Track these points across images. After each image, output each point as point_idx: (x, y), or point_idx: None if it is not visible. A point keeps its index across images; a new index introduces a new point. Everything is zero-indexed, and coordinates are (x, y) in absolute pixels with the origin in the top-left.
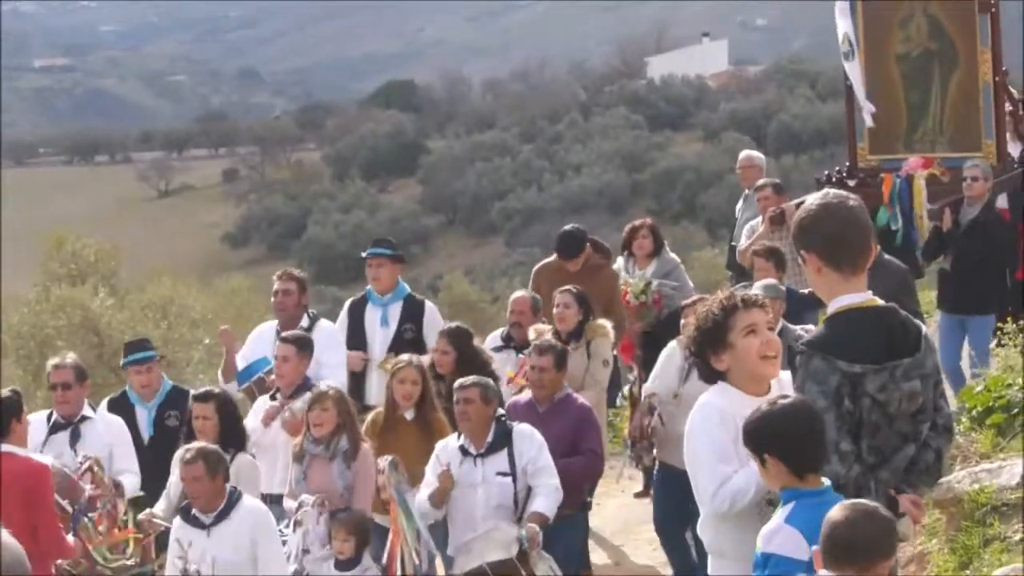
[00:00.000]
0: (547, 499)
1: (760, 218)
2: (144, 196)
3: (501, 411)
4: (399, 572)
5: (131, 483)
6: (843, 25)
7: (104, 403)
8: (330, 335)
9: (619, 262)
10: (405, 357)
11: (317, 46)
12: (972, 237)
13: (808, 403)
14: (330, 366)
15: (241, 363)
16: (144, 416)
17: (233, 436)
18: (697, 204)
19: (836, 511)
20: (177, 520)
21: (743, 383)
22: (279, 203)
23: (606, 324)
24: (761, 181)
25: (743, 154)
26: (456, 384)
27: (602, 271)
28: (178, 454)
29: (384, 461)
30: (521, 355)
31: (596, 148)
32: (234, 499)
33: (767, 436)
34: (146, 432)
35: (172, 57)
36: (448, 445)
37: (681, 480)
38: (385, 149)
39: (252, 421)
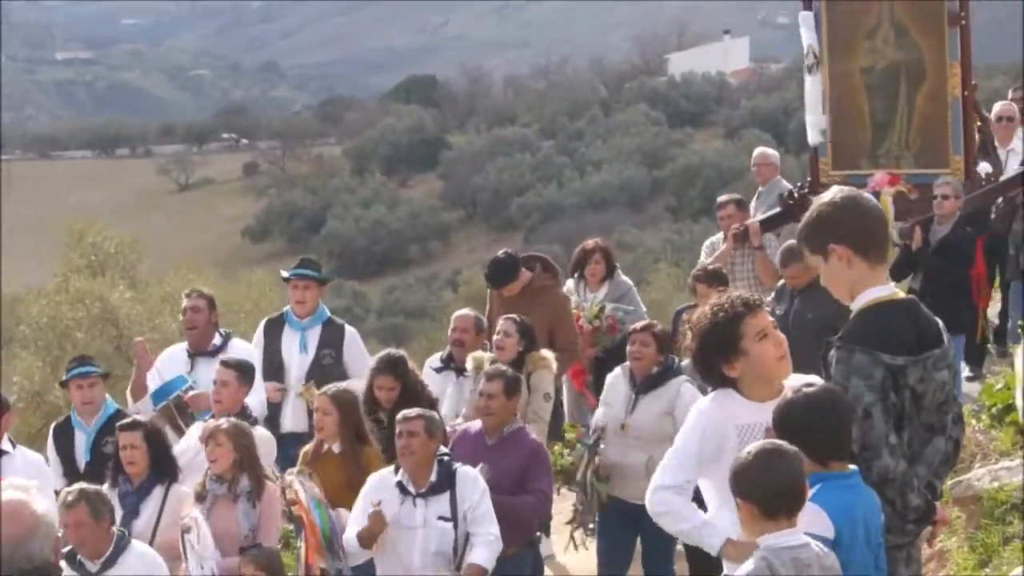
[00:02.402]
0: (486, 549)
1: (721, 235)
2: (165, 189)
3: (444, 450)
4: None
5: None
6: (807, 37)
7: (52, 428)
8: (245, 355)
9: (569, 284)
10: (323, 388)
11: (338, 40)
12: (942, 256)
13: (833, 391)
14: None
15: (154, 383)
16: (82, 441)
17: (163, 466)
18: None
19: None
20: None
21: (752, 388)
22: (299, 197)
23: (548, 356)
24: (723, 198)
25: (758, 151)
26: (399, 416)
27: (547, 292)
28: (59, 498)
29: (291, 474)
30: (460, 377)
31: (616, 145)
32: (122, 544)
33: (790, 425)
34: (83, 458)
35: (194, 51)
36: (383, 480)
37: (631, 516)
38: (405, 144)
39: (183, 444)
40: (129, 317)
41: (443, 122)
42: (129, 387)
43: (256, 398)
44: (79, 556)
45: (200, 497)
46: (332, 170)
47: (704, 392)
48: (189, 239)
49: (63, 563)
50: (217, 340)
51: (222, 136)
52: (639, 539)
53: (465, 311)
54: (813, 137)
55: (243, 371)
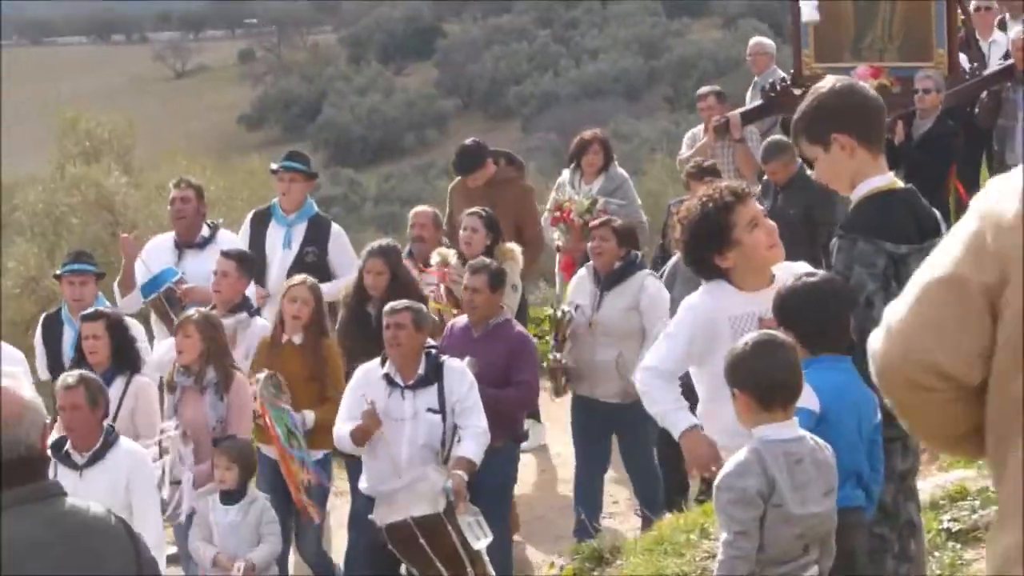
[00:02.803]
0: (474, 443)
1: (702, 126)
2: (160, 76)
3: (431, 342)
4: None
5: None
6: None
7: (41, 318)
8: (234, 247)
9: (564, 175)
10: (299, 276)
11: None
12: (925, 150)
13: (835, 280)
14: None
15: (142, 274)
16: (70, 336)
17: (126, 357)
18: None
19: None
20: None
21: (744, 278)
22: (295, 85)
23: (515, 248)
24: (703, 89)
25: (753, 40)
26: (386, 308)
27: (512, 185)
28: (59, 381)
29: (261, 375)
30: (425, 272)
31: (613, 34)
32: (111, 439)
33: (789, 312)
34: (68, 353)
35: None
36: (370, 373)
37: (605, 414)
38: (401, 32)
39: (161, 350)
40: (125, 203)
41: (439, 10)
42: (117, 281)
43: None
44: (66, 447)
45: (169, 388)
46: (328, 58)
47: (669, 289)
48: (184, 126)
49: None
50: (205, 232)
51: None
52: (615, 438)
53: (423, 207)
54: (808, 13)
55: (243, 261)
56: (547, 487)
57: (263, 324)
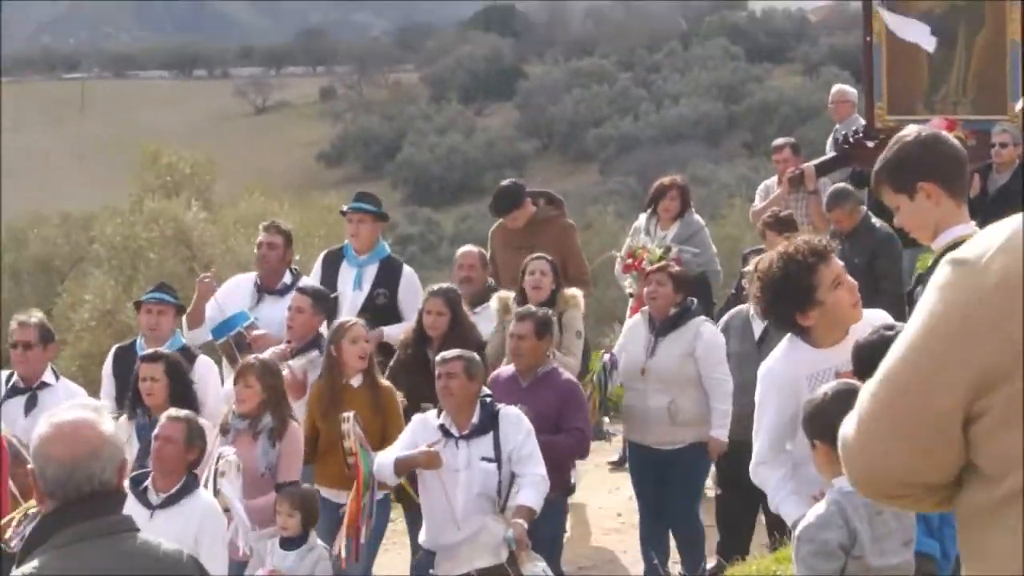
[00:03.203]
0: (534, 491)
1: (776, 178)
2: (241, 112)
3: (487, 391)
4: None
5: None
6: None
7: (113, 348)
8: None
9: (640, 220)
10: (352, 317)
11: None
12: (1001, 204)
13: None
14: None
15: (215, 314)
16: None
17: (184, 400)
18: (794, 138)
19: None
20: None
21: (823, 335)
22: (375, 123)
23: (577, 294)
24: (779, 141)
25: (836, 88)
26: (438, 357)
27: (552, 224)
28: (165, 412)
29: (349, 415)
30: (472, 315)
31: (694, 78)
32: (191, 486)
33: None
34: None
35: None
36: (428, 422)
37: (656, 461)
38: (483, 72)
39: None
40: (202, 238)
41: (521, 51)
42: (186, 315)
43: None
44: (145, 483)
45: (223, 431)
46: (409, 96)
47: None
48: (264, 162)
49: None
50: (288, 279)
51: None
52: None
53: (469, 247)
54: (927, 42)
55: (318, 299)
56: (583, 538)
57: None
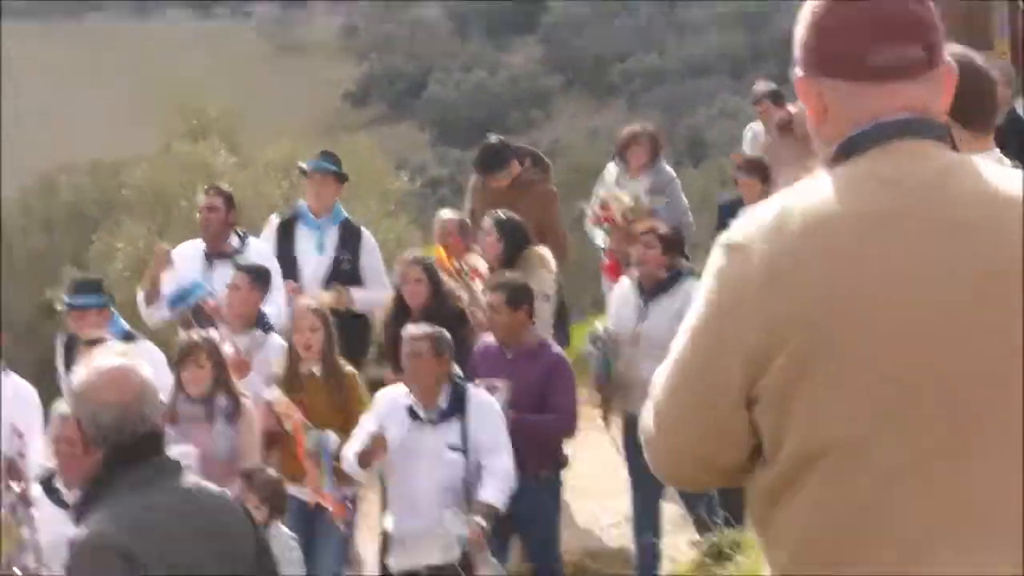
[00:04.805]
0: (499, 486)
1: (759, 122)
2: (263, 52)
3: (458, 371)
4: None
5: (38, 464)
6: None
7: (60, 346)
8: (264, 259)
9: (610, 168)
10: (304, 302)
11: None
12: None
13: None
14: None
15: (169, 284)
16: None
17: None
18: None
19: None
20: (37, 492)
21: None
22: (399, 61)
23: (545, 253)
24: (758, 88)
25: None
26: (404, 334)
27: (535, 187)
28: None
29: (315, 433)
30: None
31: (719, 8)
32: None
33: None
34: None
35: None
36: (395, 400)
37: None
38: (506, 7)
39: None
40: (233, 183)
41: None
42: (142, 290)
43: (274, 308)
44: (55, 481)
45: (171, 418)
46: (432, 33)
47: None
48: (289, 103)
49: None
50: (235, 242)
51: None
52: None
53: (448, 213)
54: None
55: (257, 275)
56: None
57: (279, 342)
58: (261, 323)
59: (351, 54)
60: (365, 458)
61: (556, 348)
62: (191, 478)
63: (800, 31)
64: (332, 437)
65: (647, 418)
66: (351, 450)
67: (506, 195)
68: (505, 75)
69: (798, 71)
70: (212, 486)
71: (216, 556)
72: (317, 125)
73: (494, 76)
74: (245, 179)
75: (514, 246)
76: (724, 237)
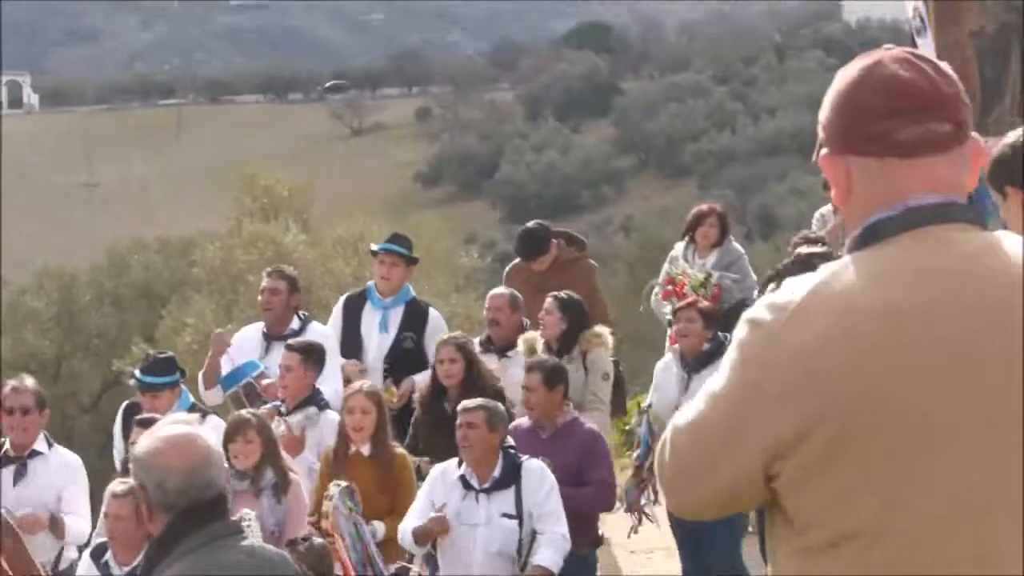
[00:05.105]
0: (553, 551)
1: (831, 207)
2: (337, 134)
3: (510, 442)
4: None
5: (78, 529)
6: None
7: (119, 414)
8: (323, 340)
9: (678, 248)
10: (356, 384)
11: None
12: None
13: None
14: (323, 375)
15: (226, 366)
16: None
17: None
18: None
19: None
20: (86, 561)
21: None
22: (472, 142)
23: (603, 332)
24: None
25: None
26: (460, 406)
27: (576, 266)
28: (110, 487)
29: (335, 487)
30: (503, 359)
31: (790, 91)
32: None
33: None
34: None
35: None
36: (447, 473)
37: (693, 524)
38: (578, 90)
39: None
40: (302, 261)
41: (616, 68)
42: (201, 373)
43: (331, 387)
44: (105, 557)
45: None
46: (505, 115)
47: None
48: (360, 184)
49: (87, 558)
50: (295, 324)
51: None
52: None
53: (499, 289)
54: None
55: (308, 354)
56: None
57: (333, 418)
58: (315, 400)
59: (423, 136)
60: (423, 535)
61: (589, 424)
62: (252, 540)
63: (825, 112)
64: (376, 528)
65: (664, 458)
66: (407, 525)
67: (546, 275)
68: (578, 155)
69: (823, 151)
70: (271, 547)
71: None
72: (388, 204)
73: (566, 156)
74: (315, 257)
75: (576, 325)
76: (750, 312)
